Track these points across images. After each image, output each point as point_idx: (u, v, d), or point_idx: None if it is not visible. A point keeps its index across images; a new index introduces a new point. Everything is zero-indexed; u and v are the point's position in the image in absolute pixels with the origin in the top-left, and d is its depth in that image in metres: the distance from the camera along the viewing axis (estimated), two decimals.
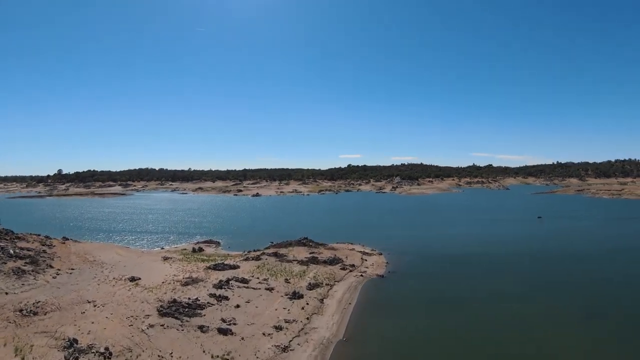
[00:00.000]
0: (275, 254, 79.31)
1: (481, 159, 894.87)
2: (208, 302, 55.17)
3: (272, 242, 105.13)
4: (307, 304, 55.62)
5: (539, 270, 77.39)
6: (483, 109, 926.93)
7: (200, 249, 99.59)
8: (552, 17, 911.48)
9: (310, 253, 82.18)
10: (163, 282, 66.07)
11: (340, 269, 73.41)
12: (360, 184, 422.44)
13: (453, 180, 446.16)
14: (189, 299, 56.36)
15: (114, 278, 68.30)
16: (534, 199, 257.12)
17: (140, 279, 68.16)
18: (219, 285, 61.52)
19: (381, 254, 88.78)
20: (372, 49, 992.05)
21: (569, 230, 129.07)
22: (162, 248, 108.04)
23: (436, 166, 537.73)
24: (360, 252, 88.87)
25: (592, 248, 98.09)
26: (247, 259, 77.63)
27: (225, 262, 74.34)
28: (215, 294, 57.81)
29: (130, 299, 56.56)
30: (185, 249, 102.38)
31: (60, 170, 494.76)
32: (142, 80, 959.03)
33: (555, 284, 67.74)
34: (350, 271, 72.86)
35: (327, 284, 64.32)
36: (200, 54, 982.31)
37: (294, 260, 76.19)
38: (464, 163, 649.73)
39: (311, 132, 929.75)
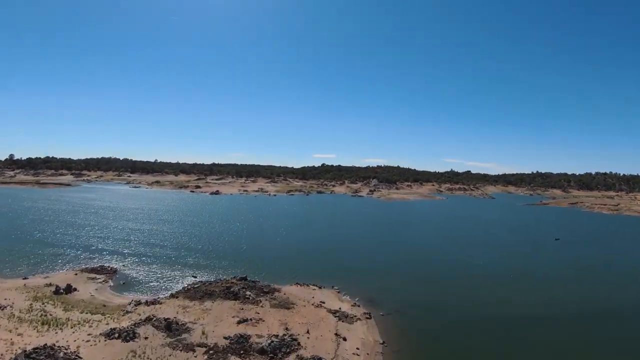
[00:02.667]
0: (169, 326, 40.45)
1: (452, 165, 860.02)
2: None
3: (195, 278, 67.32)
4: None
5: None
6: (454, 116, 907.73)
7: (69, 289, 60.46)
8: (533, 31, 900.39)
9: (240, 320, 43.60)
10: None
11: None
12: (334, 185, 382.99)
13: (433, 185, 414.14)
14: None
15: None
16: (530, 212, 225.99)
17: None
18: None
19: (369, 316, 51.23)
20: (340, 49, 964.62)
21: (607, 263, 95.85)
22: (25, 278, 69.17)
23: (414, 170, 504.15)
24: (334, 312, 50.85)
25: None
26: (109, 335, 38.84)
27: (54, 351, 35.36)
28: None
29: None
30: (50, 284, 63.56)
31: (12, 155, 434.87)
32: (121, 70, 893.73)
33: None
34: None
35: None
36: (176, 44, 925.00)
37: (200, 346, 37.72)
38: (437, 168, 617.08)
39: (285, 130, 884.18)
